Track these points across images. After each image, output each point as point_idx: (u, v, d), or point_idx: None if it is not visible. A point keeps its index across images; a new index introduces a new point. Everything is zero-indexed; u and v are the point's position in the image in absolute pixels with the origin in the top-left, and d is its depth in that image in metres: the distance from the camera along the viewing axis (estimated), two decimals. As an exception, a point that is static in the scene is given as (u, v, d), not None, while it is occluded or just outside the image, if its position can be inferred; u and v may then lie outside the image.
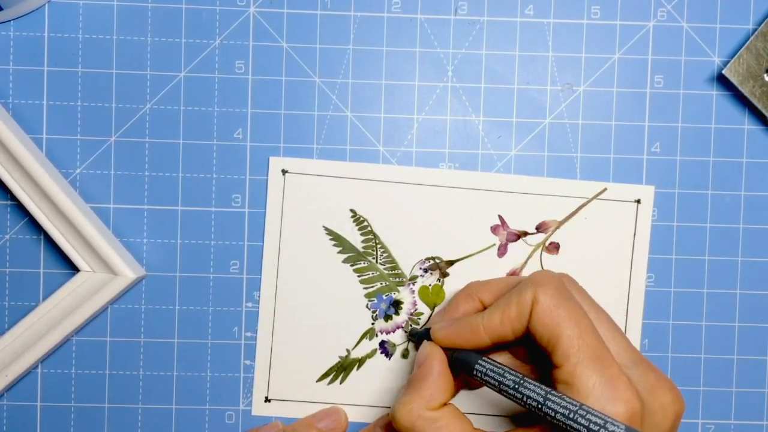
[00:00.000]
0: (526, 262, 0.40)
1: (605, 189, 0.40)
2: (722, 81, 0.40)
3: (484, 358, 0.33)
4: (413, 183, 0.40)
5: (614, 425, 0.28)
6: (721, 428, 0.40)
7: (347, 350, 0.40)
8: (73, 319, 0.38)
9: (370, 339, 0.40)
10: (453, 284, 0.40)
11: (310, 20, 0.40)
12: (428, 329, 0.36)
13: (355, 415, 0.40)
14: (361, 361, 0.40)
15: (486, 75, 0.40)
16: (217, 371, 0.40)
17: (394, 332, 0.40)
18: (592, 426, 0.28)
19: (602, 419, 0.28)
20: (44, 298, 0.40)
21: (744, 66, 0.39)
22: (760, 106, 0.39)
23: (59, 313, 0.38)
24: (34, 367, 0.40)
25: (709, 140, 0.40)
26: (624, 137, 0.40)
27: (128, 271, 0.38)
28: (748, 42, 0.39)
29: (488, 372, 0.33)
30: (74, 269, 0.39)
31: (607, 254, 0.40)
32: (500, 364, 0.33)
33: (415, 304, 0.40)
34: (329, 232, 0.40)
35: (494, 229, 0.40)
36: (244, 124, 0.40)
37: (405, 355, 0.40)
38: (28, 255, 0.40)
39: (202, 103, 0.40)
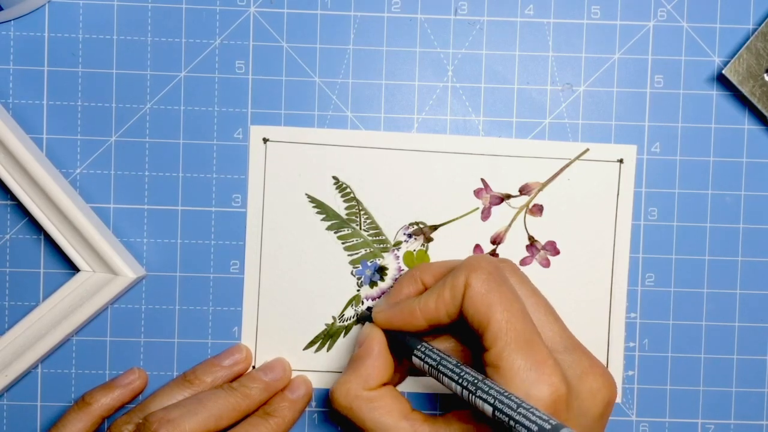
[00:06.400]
0: (510, 225, 0.40)
1: (587, 150, 0.40)
2: (722, 81, 0.40)
3: (423, 342, 0.34)
4: (395, 148, 0.40)
5: (531, 412, 0.28)
6: (721, 428, 0.40)
7: (333, 317, 0.40)
8: (73, 319, 0.38)
9: (356, 306, 0.40)
10: (437, 249, 0.40)
11: (310, 20, 0.40)
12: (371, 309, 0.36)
13: None
14: (347, 328, 0.40)
15: (486, 75, 0.40)
16: (217, 371, 0.40)
17: (379, 298, 0.40)
18: (512, 415, 0.28)
19: (520, 406, 0.28)
20: (44, 298, 0.40)
21: (744, 66, 0.39)
22: (760, 106, 0.39)
23: (59, 313, 0.38)
24: (34, 367, 0.40)
25: (709, 140, 0.40)
26: (624, 137, 0.40)
27: (128, 271, 0.38)
28: (748, 42, 0.39)
29: (425, 356, 0.33)
30: (74, 269, 0.39)
31: (590, 215, 0.40)
32: (438, 349, 0.33)
33: (399, 269, 0.40)
34: (312, 199, 0.40)
35: (477, 193, 0.40)
36: (244, 124, 0.40)
37: None
38: (28, 255, 0.40)
39: (202, 103, 0.40)
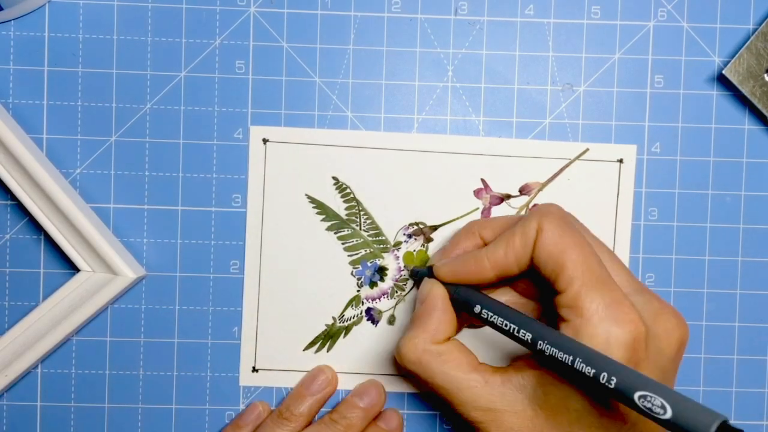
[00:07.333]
0: None
1: (587, 149, 0.40)
2: (722, 81, 0.40)
3: (484, 295, 0.34)
4: (395, 149, 0.40)
5: (609, 361, 0.28)
6: (721, 428, 0.40)
7: (333, 318, 0.40)
8: (73, 319, 0.38)
9: (356, 306, 0.40)
10: (437, 249, 0.40)
11: (310, 20, 0.40)
12: (431, 267, 0.36)
13: (342, 383, 0.40)
14: (347, 329, 0.40)
15: (486, 75, 0.40)
16: (217, 371, 0.40)
17: (379, 299, 0.40)
18: (586, 364, 0.29)
19: (597, 355, 0.29)
20: (44, 298, 0.40)
21: (744, 66, 0.39)
22: (760, 106, 0.39)
23: (59, 313, 0.38)
24: (34, 367, 0.40)
25: (709, 140, 0.40)
26: (624, 137, 0.40)
27: (128, 271, 0.38)
28: (748, 42, 0.39)
29: (488, 309, 0.33)
30: (74, 269, 0.39)
31: (591, 215, 0.40)
32: (499, 302, 0.33)
33: (400, 270, 0.40)
34: (312, 200, 0.40)
35: (477, 193, 0.40)
36: (244, 124, 0.40)
37: (391, 321, 0.40)
38: (28, 255, 0.40)
39: (202, 103, 0.40)
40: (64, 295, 0.38)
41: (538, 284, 0.34)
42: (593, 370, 0.28)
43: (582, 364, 0.29)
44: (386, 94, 0.40)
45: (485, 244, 0.35)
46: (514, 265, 0.33)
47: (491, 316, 0.33)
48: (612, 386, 0.28)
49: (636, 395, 0.27)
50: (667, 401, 0.26)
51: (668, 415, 0.26)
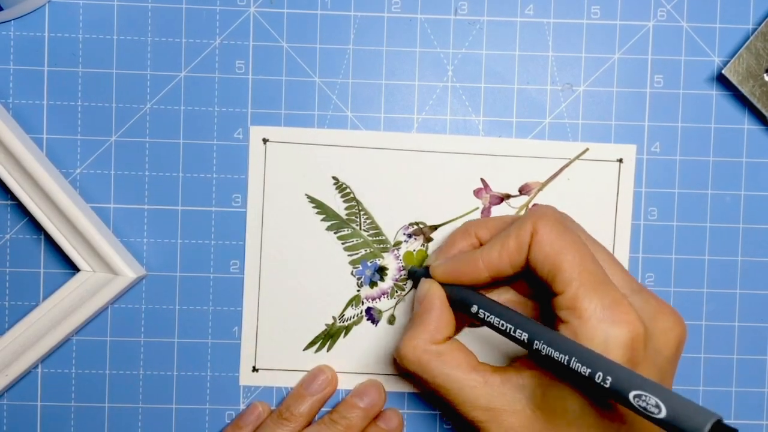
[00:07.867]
0: None
1: (587, 149, 0.40)
2: (722, 81, 0.40)
3: (481, 295, 0.34)
4: (395, 148, 0.40)
5: (605, 361, 0.28)
6: (721, 428, 0.40)
7: (333, 318, 0.40)
8: (73, 319, 0.38)
9: (356, 306, 0.40)
10: (436, 249, 0.40)
11: (310, 20, 0.40)
12: (427, 267, 0.36)
13: (342, 383, 0.40)
14: (347, 329, 0.40)
15: (486, 75, 0.40)
16: (217, 371, 0.40)
17: (379, 299, 0.40)
18: (582, 364, 0.29)
19: (593, 355, 0.29)
20: (44, 298, 0.40)
21: (744, 66, 0.39)
22: (759, 106, 0.39)
23: (59, 313, 0.38)
24: (34, 367, 0.40)
25: (708, 140, 0.40)
26: (624, 137, 0.40)
27: (128, 271, 0.38)
28: (747, 42, 0.39)
29: (485, 309, 0.33)
30: (74, 269, 0.39)
31: (590, 215, 0.40)
32: (496, 301, 0.33)
33: (400, 269, 0.40)
34: (312, 200, 0.40)
35: (477, 193, 0.40)
36: (244, 124, 0.40)
37: (391, 321, 0.40)
38: (28, 255, 0.40)
39: (202, 103, 0.40)
40: (64, 295, 0.38)
41: (533, 285, 0.34)
42: (589, 370, 0.28)
43: (577, 364, 0.29)
44: (386, 94, 0.40)
45: (481, 244, 0.35)
46: (508, 266, 0.33)
47: (488, 316, 0.33)
48: (607, 386, 0.28)
49: (631, 394, 0.27)
50: (661, 400, 0.26)
51: (663, 414, 0.26)
